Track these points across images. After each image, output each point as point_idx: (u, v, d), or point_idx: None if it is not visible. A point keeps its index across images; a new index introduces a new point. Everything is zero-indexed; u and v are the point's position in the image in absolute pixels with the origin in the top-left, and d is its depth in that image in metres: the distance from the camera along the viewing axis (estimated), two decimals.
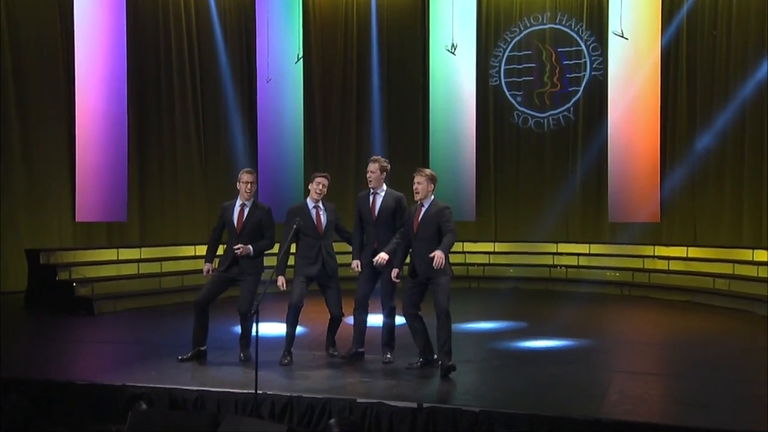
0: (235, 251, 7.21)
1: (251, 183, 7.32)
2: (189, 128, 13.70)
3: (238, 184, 7.36)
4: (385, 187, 7.35)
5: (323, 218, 7.39)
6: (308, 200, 7.43)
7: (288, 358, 7.18)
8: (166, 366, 7.07)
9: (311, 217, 7.35)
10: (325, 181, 7.42)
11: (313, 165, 14.27)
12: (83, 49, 12.26)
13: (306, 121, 14.72)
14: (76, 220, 12.36)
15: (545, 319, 10.27)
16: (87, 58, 12.30)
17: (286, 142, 14.44)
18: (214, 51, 13.94)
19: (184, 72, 13.61)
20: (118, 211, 12.70)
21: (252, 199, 7.38)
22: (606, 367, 7.45)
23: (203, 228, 13.35)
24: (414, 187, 6.98)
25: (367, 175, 7.32)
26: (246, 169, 7.46)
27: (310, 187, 7.45)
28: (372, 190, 7.32)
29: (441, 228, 6.84)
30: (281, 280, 7.16)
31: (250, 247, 7.27)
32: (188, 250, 12.92)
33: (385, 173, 7.33)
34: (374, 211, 7.26)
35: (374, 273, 7.30)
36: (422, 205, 6.97)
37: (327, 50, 15.19)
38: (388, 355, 7.19)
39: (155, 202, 13.37)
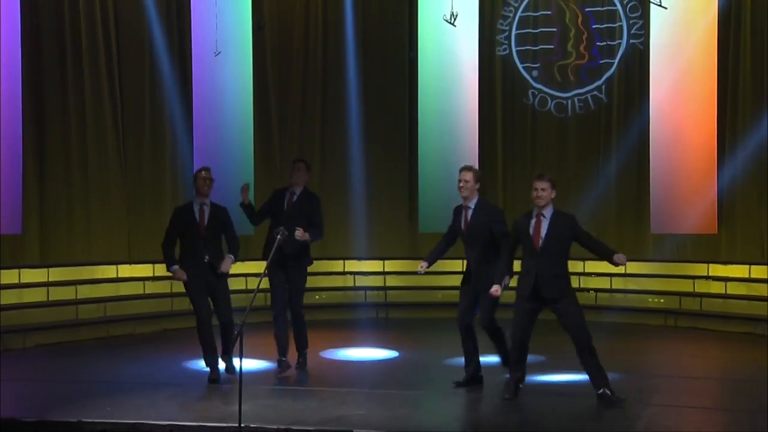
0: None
1: (210, 179, 10.07)
2: (104, 114, 14.78)
3: (195, 182, 10.13)
4: (477, 197, 9.48)
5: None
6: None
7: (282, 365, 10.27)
8: (120, 402, 8.85)
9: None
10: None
11: (265, 163, 15.94)
12: None
13: (257, 106, 16.06)
14: None
15: (567, 353, 11.92)
16: None
17: (232, 133, 15.84)
18: (140, 12, 15.04)
19: (95, 38, 14.64)
20: (10, 220, 13.68)
21: (209, 198, 10.07)
22: (635, 400, 9.16)
23: (122, 242, 14.90)
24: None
25: (459, 185, 9.43)
26: (203, 167, 10.35)
27: None
28: (464, 202, 9.53)
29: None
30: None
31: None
32: (108, 271, 14.51)
33: (479, 183, 9.51)
34: (465, 227, 9.46)
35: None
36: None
37: (284, 14, 16.53)
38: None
39: (60, 209, 14.40)
